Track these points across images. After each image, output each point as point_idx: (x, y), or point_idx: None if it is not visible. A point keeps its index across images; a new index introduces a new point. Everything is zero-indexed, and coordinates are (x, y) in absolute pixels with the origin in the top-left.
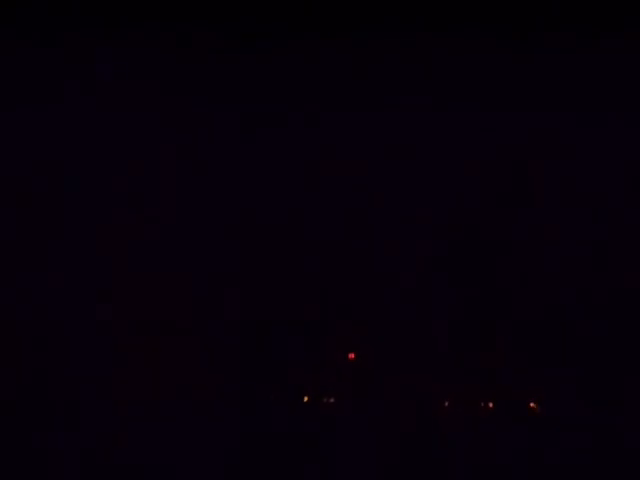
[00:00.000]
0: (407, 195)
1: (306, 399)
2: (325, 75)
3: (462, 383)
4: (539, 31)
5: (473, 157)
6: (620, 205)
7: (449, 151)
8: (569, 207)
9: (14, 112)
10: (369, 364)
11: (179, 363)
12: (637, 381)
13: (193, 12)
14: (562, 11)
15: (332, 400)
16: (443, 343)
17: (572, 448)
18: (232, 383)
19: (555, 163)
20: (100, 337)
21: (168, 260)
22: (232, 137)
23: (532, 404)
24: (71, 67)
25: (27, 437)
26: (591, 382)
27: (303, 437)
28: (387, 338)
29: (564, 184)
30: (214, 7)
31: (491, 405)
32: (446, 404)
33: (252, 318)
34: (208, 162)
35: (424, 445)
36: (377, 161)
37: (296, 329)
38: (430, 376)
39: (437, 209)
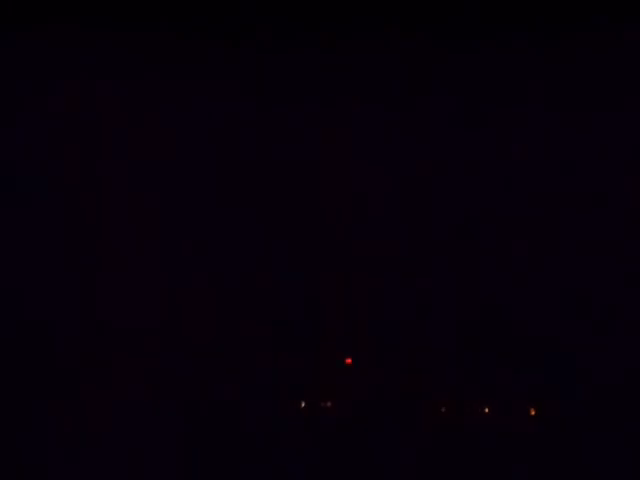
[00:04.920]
0: (407, 195)
1: (303, 404)
2: (326, 75)
3: (462, 383)
4: (539, 31)
5: (473, 156)
6: (620, 205)
7: (449, 150)
8: (568, 207)
9: (13, 111)
10: (368, 365)
11: (177, 362)
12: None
13: (193, 11)
14: (563, 11)
15: (329, 404)
16: (443, 343)
17: (572, 448)
18: (231, 383)
19: (555, 163)
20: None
21: (166, 259)
22: (232, 137)
23: (531, 406)
24: (70, 66)
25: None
26: (590, 382)
27: (302, 439)
28: (386, 338)
29: (564, 184)
30: (214, 6)
31: (490, 407)
32: (445, 404)
33: (251, 318)
34: (207, 161)
35: (423, 445)
36: (377, 160)
37: (295, 329)
38: (430, 377)
39: (436, 209)
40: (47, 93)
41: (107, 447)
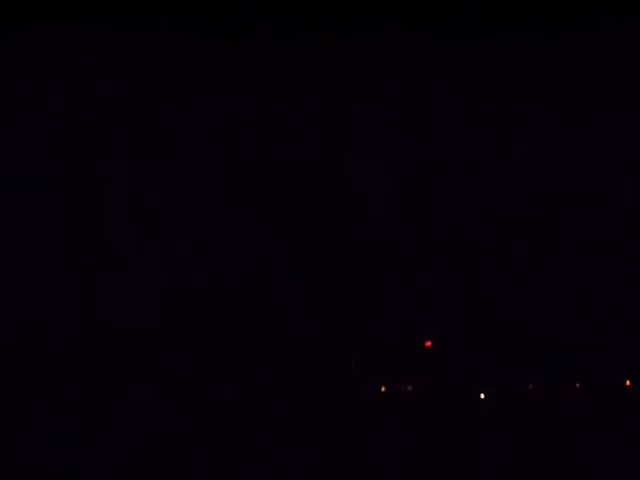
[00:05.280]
0: (407, 195)
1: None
2: (326, 75)
3: (462, 383)
4: (539, 31)
5: (473, 156)
6: (620, 205)
7: (449, 150)
8: (568, 207)
9: (13, 111)
10: (368, 365)
11: (177, 362)
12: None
13: (193, 11)
14: (563, 11)
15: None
16: (443, 343)
17: (572, 448)
18: (231, 383)
19: (555, 163)
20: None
21: (166, 259)
22: (232, 137)
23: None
24: (70, 66)
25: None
26: (590, 382)
27: (302, 439)
28: (386, 338)
29: (564, 184)
30: (214, 6)
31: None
32: (445, 404)
33: (251, 318)
34: (207, 161)
35: (422, 444)
36: (377, 160)
37: (295, 329)
38: (430, 377)
39: (436, 209)
40: (47, 93)
41: (107, 447)
